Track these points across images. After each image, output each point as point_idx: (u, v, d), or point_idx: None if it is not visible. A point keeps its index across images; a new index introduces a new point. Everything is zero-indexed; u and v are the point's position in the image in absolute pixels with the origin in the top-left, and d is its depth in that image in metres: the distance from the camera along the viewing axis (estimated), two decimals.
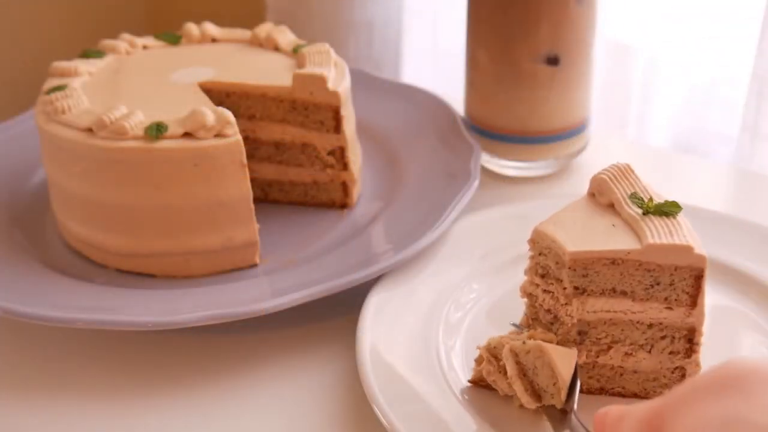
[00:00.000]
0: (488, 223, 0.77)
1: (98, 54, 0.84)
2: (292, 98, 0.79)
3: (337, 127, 0.80)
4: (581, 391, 0.63)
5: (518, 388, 0.58)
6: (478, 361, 0.61)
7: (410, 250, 0.71)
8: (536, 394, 0.59)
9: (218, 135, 0.72)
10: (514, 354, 0.58)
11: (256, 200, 0.75)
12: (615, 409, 0.42)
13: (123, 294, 0.71)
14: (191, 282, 0.74)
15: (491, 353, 0.60)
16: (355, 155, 0.84)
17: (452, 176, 0.81)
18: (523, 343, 0.58)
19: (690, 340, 0.61)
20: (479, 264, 0.74)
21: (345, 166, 0.82)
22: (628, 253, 0.58)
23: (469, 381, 0.62)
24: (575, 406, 0.57)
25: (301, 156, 0.83)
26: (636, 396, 0.63)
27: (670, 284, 0.59)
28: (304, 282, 0.69)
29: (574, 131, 0.87)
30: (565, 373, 0.57)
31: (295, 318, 0.71)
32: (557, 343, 0.60)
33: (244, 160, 0.72)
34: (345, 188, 0.83)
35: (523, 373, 0.59)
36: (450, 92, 0.98)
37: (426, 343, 0.66)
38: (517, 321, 0.65)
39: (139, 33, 0.90)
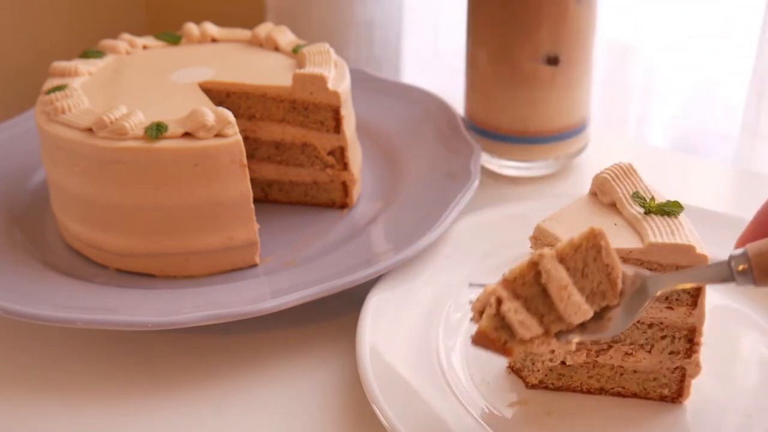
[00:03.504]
0: (488, 223, 0.77)
1: (98, 54, 0.84)
2: (292, 98, 0.79)
3: (337, 127, 0.80)
4: (580, 391, 0.63)
5: (576, 298, 0.48)
6: (493, 302, 0.48)
7: (410, 250, 0.71)
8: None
9: (218, 135, 0.72)
10: (561, 259, 0.48)
11: (256, 200, 0.75)
12: None
13: (123, 294, 0.71)
14: (191, 282, 0.74)
15: (510, 287, 0.48)
16: (355, 155, 0.84)
17: (452, 176, 0.81)
18: (570, 241, 0.48)
19: (690, 340, 0.61)
20: (479, 264, 0.74)
21: (345, 166, 0.82)
22: (630, 252, 0.58)
23: (472, 340, 0.50)
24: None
25: (301, 156, 0.82)
26: (636, 396, 0.63)
27: None
28: (304, 282, 0.69)
29: (574, 131, 0.87)
30: (617, 259, 0.47)
31: (295, 318, 0.71)
32: None
33: (244, 160, 0.72)
34: (345, 188, 0.83)
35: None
36: (450, 92, 0.98)
37: (426, 343, 0.66)
38: None
39: (139, 33, 0.90)
